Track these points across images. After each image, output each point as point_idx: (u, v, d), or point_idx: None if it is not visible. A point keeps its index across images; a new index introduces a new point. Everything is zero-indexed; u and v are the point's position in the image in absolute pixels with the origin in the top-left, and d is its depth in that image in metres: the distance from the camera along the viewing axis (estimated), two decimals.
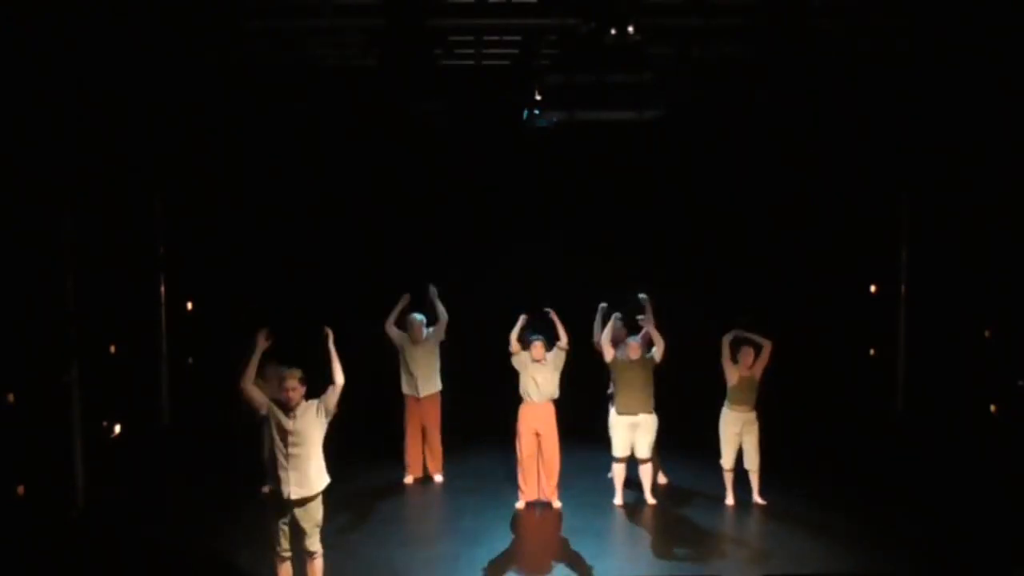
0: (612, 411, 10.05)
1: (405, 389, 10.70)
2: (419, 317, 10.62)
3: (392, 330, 10.63)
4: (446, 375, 10.83)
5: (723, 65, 10.29)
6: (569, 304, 13.08)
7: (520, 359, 9.89)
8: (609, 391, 10.22)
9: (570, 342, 9.84)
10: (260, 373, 7.63)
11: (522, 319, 9.89)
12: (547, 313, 9.87)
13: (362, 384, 12.19)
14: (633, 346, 9.90)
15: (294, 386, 7.35)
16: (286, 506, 7.48)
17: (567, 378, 9.99)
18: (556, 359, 9.87)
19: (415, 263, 13.38)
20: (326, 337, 7.59)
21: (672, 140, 12.52)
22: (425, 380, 10.65)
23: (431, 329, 10.68)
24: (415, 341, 10.60)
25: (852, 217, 13.02)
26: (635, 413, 9.90)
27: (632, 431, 9.95)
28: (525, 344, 9.87)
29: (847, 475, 11.00)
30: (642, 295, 10.17)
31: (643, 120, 10.00)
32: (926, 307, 12.15)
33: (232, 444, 10.51)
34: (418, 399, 10.64)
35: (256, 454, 10.07)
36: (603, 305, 10.43)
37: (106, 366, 10.30)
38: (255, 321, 8.09)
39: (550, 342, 9.87)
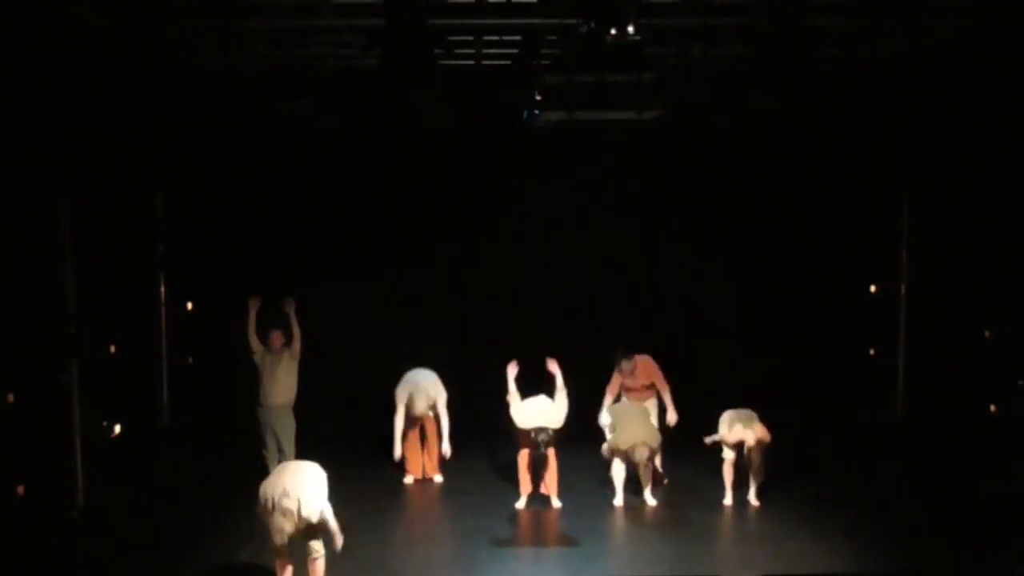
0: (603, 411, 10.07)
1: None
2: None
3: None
4: (447, 374, 10.82)
5: (723, 65, 10.28)
6: (569, 304, 13.15)
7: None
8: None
9: (570, 392, 9.70)
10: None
11: (512, 373, 9.69)
12: (548, 365, 9.72)
13: (363, 384, 12.30)
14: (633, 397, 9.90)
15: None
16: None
17: (570, 378, 9.97)
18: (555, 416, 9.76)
19: (415, 264, 13.41)
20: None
21: (672, 140, 12.51)
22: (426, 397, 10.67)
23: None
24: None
25: (852, 217, 13.01)
26: (634, 446, 9.84)
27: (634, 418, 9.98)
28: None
29: (847, 475, 11.00)
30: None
31: (643, 120, 10.00)
32: (926, 307, 12.14)
33: (232, 444, 10.54)
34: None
35: (256, 454, 10.13)
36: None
37: (106, 366, 10.29)
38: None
39: (545, 389, 9.78)
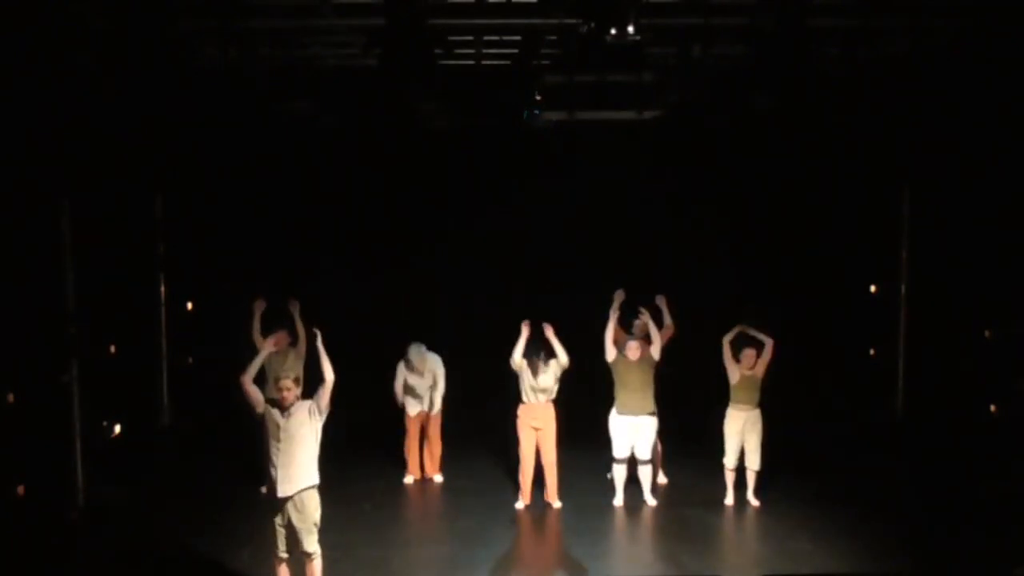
0: (612, 411, 10.05)
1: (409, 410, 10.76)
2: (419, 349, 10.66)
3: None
4: (447, 374, 10.83)
5: (723, 65, 10.28)
6: (570, 304, 13.14)
7: (520, 367, 9.85)
8: None
9: (571, 361, 9.76)
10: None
11: (524, 333, 9.72)
12: (543, 329, 9.74)
13: (361, 385, 12.29)
14: (632, 346, 9.89)
15: (288, 386, 7.54)
16: (280, 505, 7.53)
17: (568, 377, 9.98)
18: (556, 369, 9.85)
19: (415, 264, 13.42)
20: (315, 337, 7.82)
21: (672, 140, 12.50)
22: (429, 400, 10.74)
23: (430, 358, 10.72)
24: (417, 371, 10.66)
25: (852, 216, 13.01)
26: (634, 414, 9.90)
27: (632, 431, 9.94)
28: (530, 362, 9.80)
29: (847, 475, 11.00)
30: (658, 297, 10.29)
31: (643, 120, 10.00)
32: (926, 307, 12.14)
33: (232, 444, 10.53)
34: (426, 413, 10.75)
35: (256, 454, 10.11)
36: (620, 293, 10.26)
37: (106, 366, 10.29)
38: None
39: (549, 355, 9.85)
